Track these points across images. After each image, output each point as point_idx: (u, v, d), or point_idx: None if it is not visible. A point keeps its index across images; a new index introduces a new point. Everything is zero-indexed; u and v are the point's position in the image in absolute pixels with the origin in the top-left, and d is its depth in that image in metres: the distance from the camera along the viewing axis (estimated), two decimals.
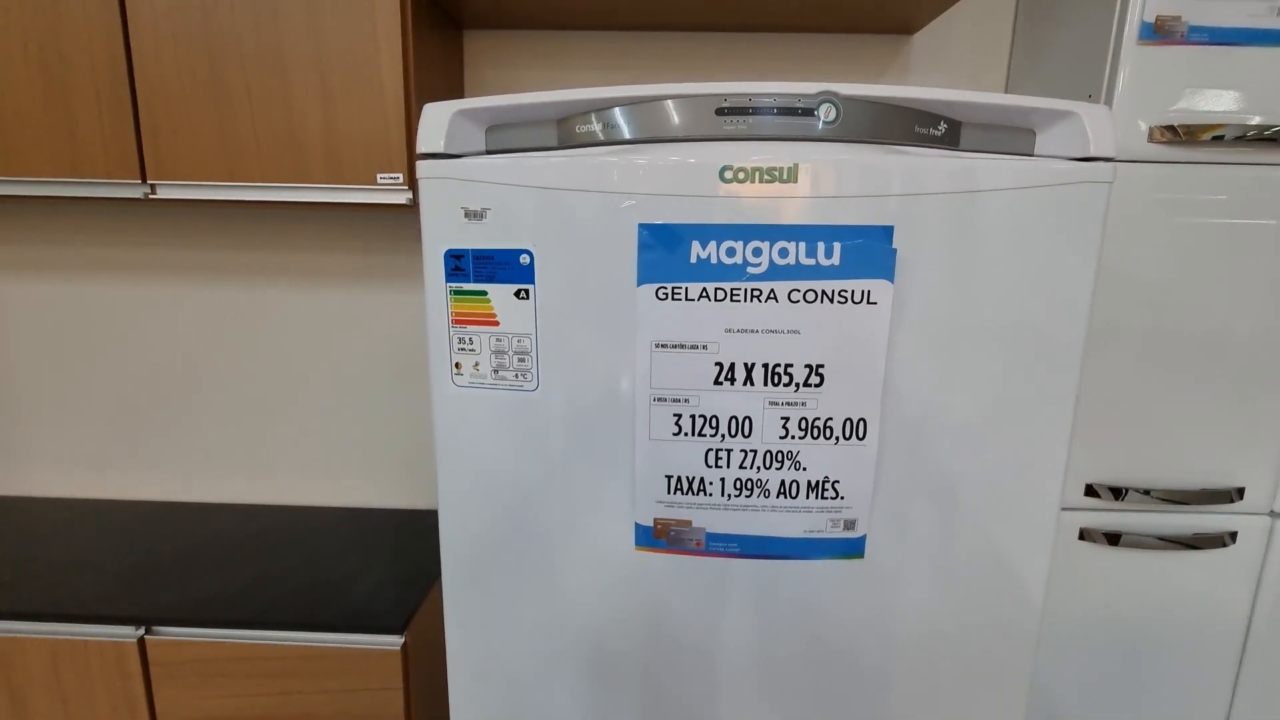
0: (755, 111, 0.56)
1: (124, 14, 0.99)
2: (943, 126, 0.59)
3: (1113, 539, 1.02)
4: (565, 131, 0.61)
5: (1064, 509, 1.02)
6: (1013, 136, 0.60)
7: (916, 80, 1.24)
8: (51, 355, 1.41)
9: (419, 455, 1.42)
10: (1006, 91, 1.22)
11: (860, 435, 0.60)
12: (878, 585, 0.64)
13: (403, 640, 1.04)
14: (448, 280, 0.63)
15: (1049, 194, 0.57)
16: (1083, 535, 1.02)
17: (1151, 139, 0.93)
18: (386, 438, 1.41)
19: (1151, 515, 1.02)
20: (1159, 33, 0.92)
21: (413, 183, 1.03)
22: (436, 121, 0.61)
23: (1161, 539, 1.01)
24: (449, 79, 1.20)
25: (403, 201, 1.03)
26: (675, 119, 0.58)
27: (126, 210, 1.34)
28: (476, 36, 1.26)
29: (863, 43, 1.24)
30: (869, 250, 0.57)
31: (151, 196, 1.04)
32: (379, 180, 1.02)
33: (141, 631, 1.05)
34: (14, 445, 1.46)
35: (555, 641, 0.70)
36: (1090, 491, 1.02)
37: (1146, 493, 1.01)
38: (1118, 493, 1.01)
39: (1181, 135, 0.92)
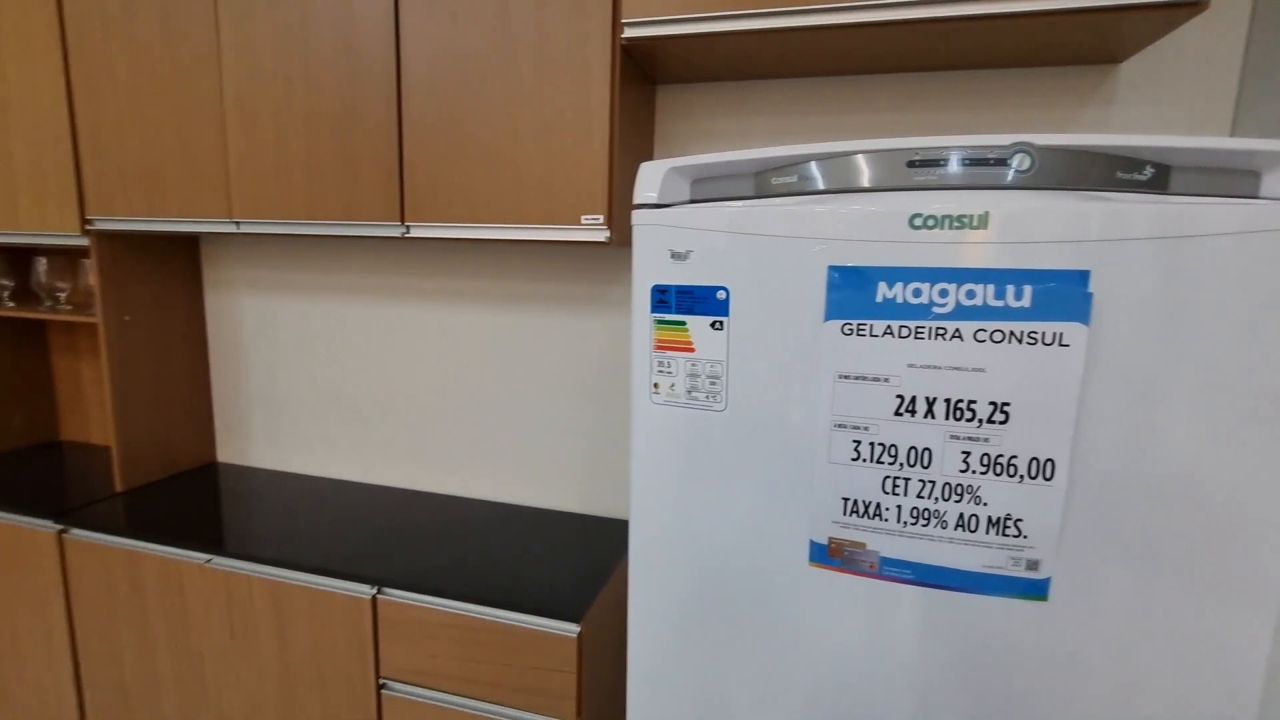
0: (946, 164, 0.61)
1: (399, 90, 1.25)
2: (1149, 171, 0.59)
3: None
4: (762, 183, 0.70)
5: None
6: (1232, 179, 0.58)
7: (1122, 113, 1.17)
8: (315, 361, 1.75)
9: (598, 466, 1.56)
10: (1235, 121, 1.11)
11: (1047, 475, 0.60)
12: (1061, 632, 0.63)
13: (579, 629, 1.16)
14: (652, 311, 0.74)
15: (1274, 240, 0.55)
16: None
17: None
18: (572, 448, 1.57)
19: None
20: None
21: (611, 223, 1.17)
22: (651, 177, 0.72)
23: None
24: (643, 129, 1.35)
25: (602, 239, 1.17)
26: (867, 172, 0.64)
27: (382, 245, 1.64)
28: (668, 91, 1.40)
29: (1060, 75, 1.20)
30: (1062, 294, 0.58)
31: (406, 235, 1.29)
32: (583, 221, 1.18)
33: (375, 590, 1.27)
34: (281, 431, 1.82)
35: (726, 644, 0.77)
36: None
37: None
38: None
39: None
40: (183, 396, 1.80)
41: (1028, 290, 0.59)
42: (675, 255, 0.71)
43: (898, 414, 0.64)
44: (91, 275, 1.56)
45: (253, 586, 1.35)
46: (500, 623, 1.20)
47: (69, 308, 1.74)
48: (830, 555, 0.68)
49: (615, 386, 1.52)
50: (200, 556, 1.38)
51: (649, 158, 1.40)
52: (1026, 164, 0.60)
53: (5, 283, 1.77)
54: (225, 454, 1.90)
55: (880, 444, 0.65)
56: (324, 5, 1.26)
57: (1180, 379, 0.59)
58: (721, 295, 0.70)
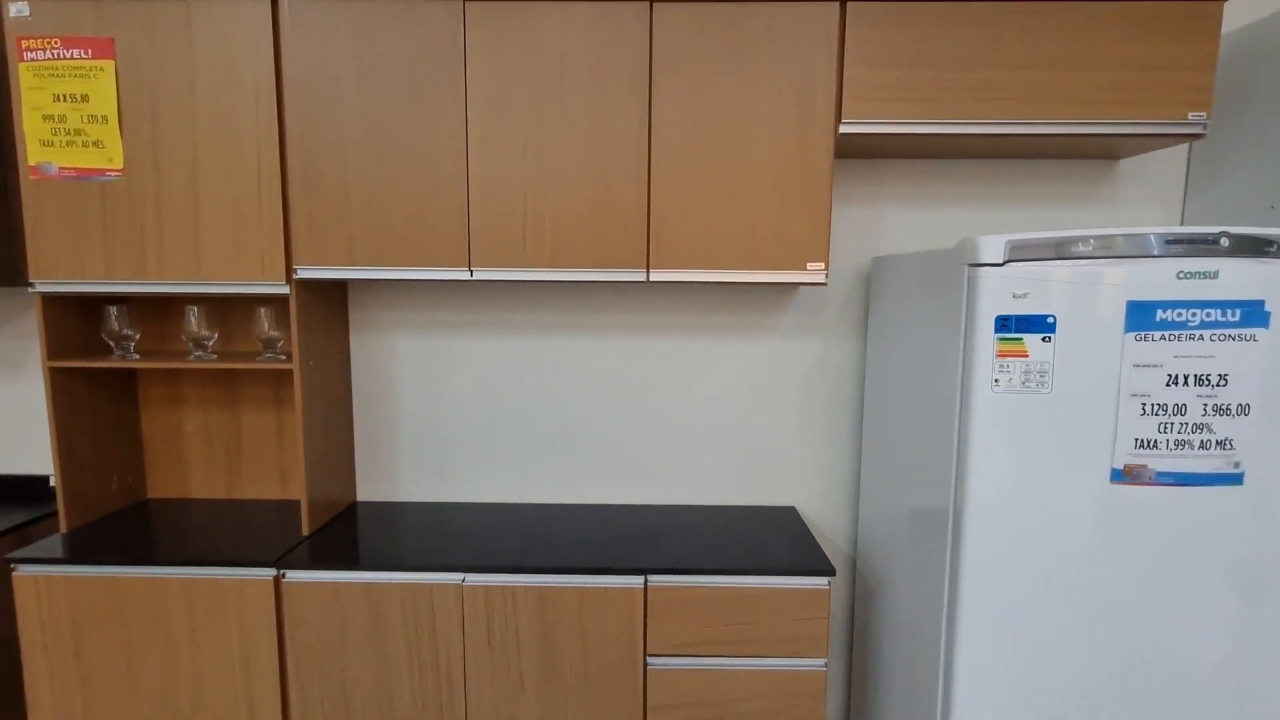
0: (1189, 240, 1.08)
1: (649, 181, 1.51)
2: (1278, 247, 1.10)
3: None
4: (1063, 248, 1.13)
5: None
6: None
7: (1124, 191, 1.78)
8: (478, 393, 1.88)
9: (757, 463, 1.89)
10: (1185, 201, 1.76)
11: (1246, 413, 1.09)
12: (1249, 499, 1.13)
13: (828, 581, 1.49)
14: (996, 332, 1.14)
15: None
16: None
17: None
18: (734, 450, 1.88)
19: None
20: None
21: (826, 268, 1.54)
22: (995, 247, 1.13)
23: None
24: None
25: (822, 280, 1.54)
26: (1144, 245, 1.09)
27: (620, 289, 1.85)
28: (846, 164, 1.80)
29: (1079, 165, 1.79)
30: (1253, 312, 1.07)
31: (649, 281, 1.55)
32: (808, 267, 1.54)
33: (643, 580, 1.50)
34: (434, 464, 1.91)
35: (1047, 569, 1.17)
36: None
37: None
38: None
39: None
40: (340, 439, 1.83)
41: (1237, 311, 1.07)
42: (1017, 295, 1.12)
43: (1167, 386, 1.09)
44: (290, 323, 1.59)
45: (516, 595, 1.50)
46: (760, 587, 1.49)
47: (214, 356, 1.71)
48: (1125, 475, 1.12)
49: (774, 395, 1.87)
50: (454, 577, 1.50)
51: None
52: (1226, 241, 1.09)
53: (129, 333, 1.69)
54: (365, 493, 1.94)
55: (1157, 404, 1.10)
56: (580, 110, 1.49)
57: None
58: (1050, 320, 1.11)
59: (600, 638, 1.51)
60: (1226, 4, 1.50)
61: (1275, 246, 1.11)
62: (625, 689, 1.52)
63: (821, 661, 1.51)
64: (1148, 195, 1.79)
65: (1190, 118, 1.47)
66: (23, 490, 1.92)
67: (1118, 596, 1.17)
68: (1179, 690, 1.20)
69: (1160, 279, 1.08)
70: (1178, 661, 1.19)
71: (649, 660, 1.51)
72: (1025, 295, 1.12)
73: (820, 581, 1.49)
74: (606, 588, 1.50)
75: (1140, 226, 1.10)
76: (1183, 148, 1.77)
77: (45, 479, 1.90)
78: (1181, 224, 1.79)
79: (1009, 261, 1.13)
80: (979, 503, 1.18)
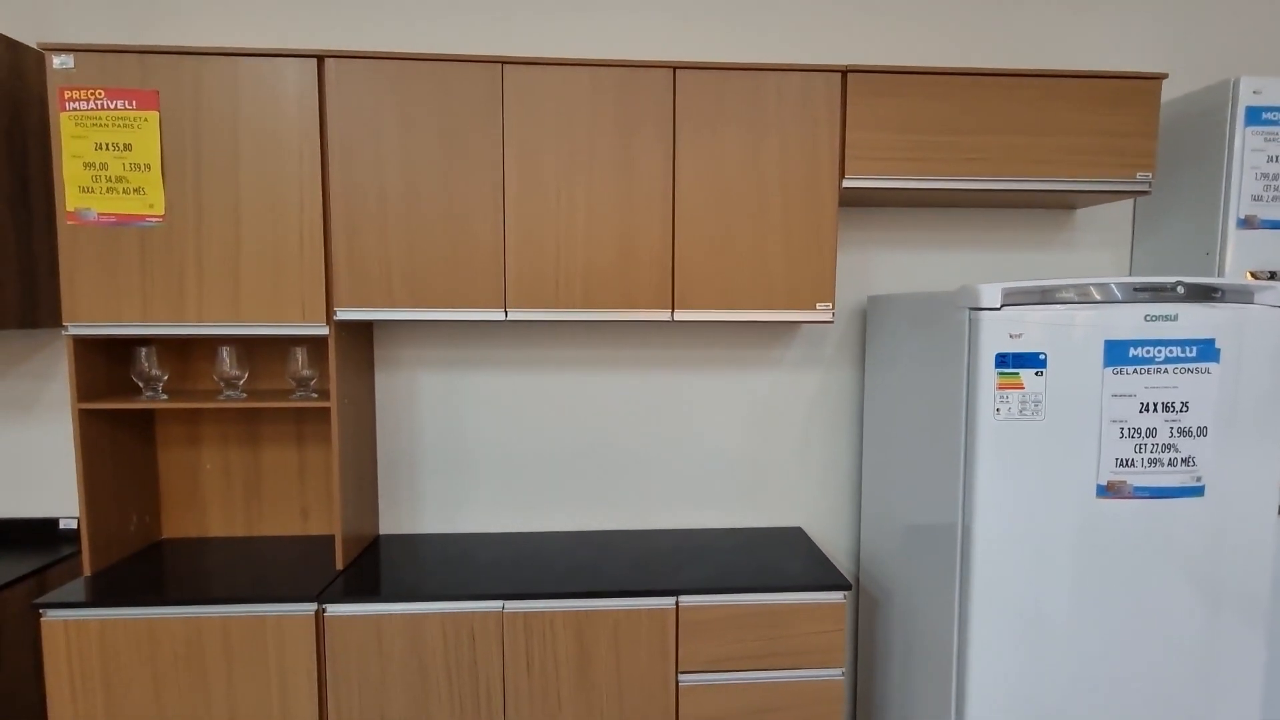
0: (1152, 288, 1.27)
1: (673, 229, 1.65)
2: (1222, 293, 1.31)
3: None
4: (1048, 295, 1.31)
5: None
6: (1258, 293, 1.33)
7: (1080, 237, 2.02)
8: (492, 426, 1.96)
9: (763, 487, 2.02)
10: (1133, 246, 2.01)
11: (1205, 435, 1.28)
12: (1209, 509, 1.32)
13: (843, 595, 1.62)
14: (996, 367, 1.31)
15: (1269, 315, 1.30)
16: None
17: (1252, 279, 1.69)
18: (758, 476, 2.01)
19: None
20: (1247, 224, 1.71)
21: (833, 308, 1.70)
22: (993, 293, 1.30)
23: None
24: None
25: (829, 319, 1.70)
26: (1115, 293, 1.28)
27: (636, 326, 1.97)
28: (841, 211, 1.97)
29: (1041, 214, 2.02)
30: (1206, 349, 1.27)
31: (673, 320, 1.68)
32: (817, 307, 1.69)
33: (674, 601, 1.60)
34: (455, 496, 1.97)
35: (1045, 574, 1.33)
36: None
37: None
38: None
39: (1263, 276, 1.70)
40: (367, 474, 1.87)
41: (1194, 348, 1.27)
42: (1013, 335, 1.30)
43: (1140, 412, 1.28)
44: (329, 363, 1.65)
45: (554, 620, 1.58)
46: (783, 604, 1.61)
47: (244, 395, 1.75)
48: (1108, 490, 1.30)
49: (780, 423, 2.01)
50: (495, 605, 1.57)
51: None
52: (1181, 289, 1.29)
53: (158, 374, 1.71)
54: (387, 526, 1.98)
55: (1133, 428, 1.28)
56: (609, 164, 1.62)
57: (1252, 385, 1.31)
58: (1042, 357, 1.29)
59: (634, 658, 1.59)
60: (1164, 81, 1.75)
61: (1220, 293, 1.32)
62: (657, 706, 1.61)
63: (839, 670, 1.63)
64: (1100, 241, 2.03)
65: (1138, 177, 1.70)
66: (33, 533, 1.88)
67: (1105, 594, 1.34)
68: (1156, 670, 1.38)
69: (1131, 321, 1.28)
70: (1153, 649, 1.37)
71: (681, 677, 1.61)
72: (1020, 335, 1.29)
73: (836, 596, 1.62)
74: (641, 609, 1.59)
75: (1110, 276, 1.29)
76: (1130, 199, 2.02)
77: (55, 521, 1.88)
78: (1130, 267, 2.03)
79: (1005, 306, 1.30)
80: (985, 518, 1.33)
